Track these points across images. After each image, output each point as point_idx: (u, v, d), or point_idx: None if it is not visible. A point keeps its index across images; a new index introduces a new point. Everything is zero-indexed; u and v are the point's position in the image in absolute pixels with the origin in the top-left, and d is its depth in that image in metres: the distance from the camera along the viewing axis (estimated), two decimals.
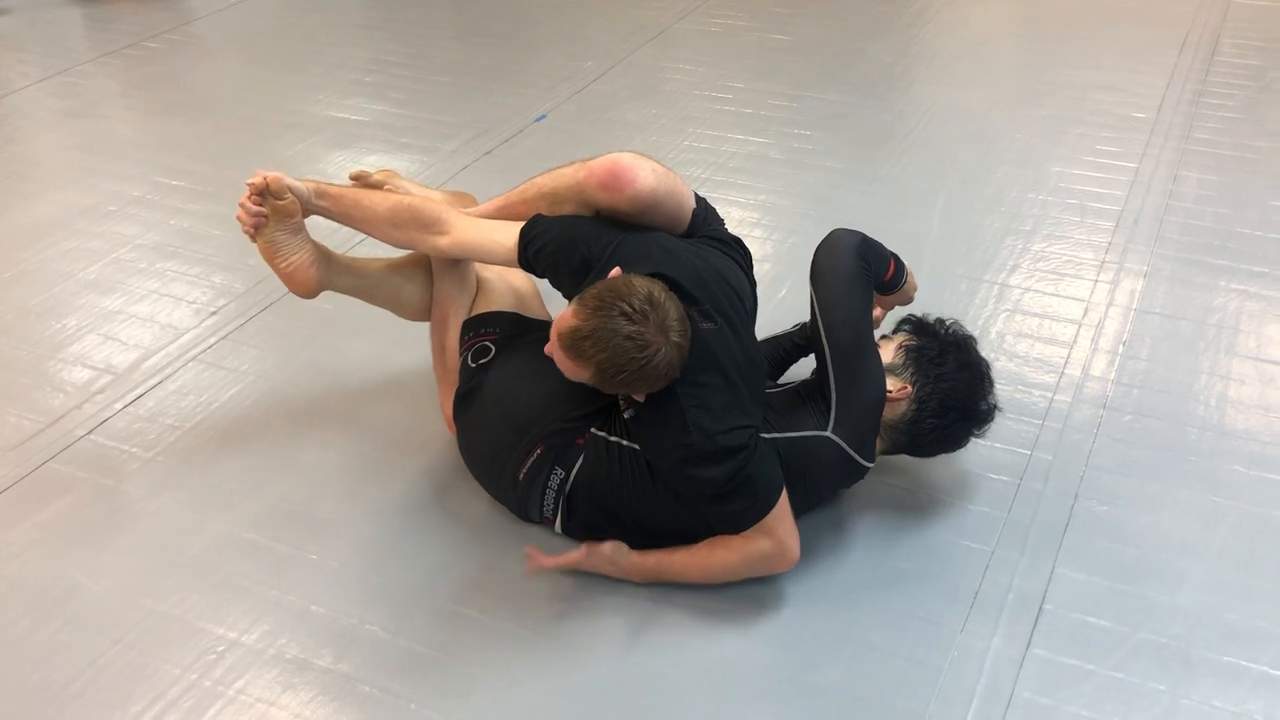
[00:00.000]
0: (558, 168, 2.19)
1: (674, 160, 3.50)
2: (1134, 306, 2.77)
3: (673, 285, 1.92)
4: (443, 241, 2.16)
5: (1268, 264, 2.91)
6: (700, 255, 2.09)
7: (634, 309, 1.81)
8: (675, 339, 1.84)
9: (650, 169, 2.09)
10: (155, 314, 2.86)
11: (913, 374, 2.04)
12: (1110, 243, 3.03)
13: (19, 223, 3.29)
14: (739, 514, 1.93)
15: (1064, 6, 4.70)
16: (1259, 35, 4.31)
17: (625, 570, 2.02)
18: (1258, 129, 3.60)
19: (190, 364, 2.67)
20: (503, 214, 2.22)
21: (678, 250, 2.04)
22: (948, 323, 2.14)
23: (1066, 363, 2.58)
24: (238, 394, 2.57)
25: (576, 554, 1.99)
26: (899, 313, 2.27)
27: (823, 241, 2.09)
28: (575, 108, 3.92)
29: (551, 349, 1.90)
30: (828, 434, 1.98)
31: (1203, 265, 2.92)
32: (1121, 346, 2.63)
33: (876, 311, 2.34)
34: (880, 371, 2.02)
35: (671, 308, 1.85)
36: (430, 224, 2.16)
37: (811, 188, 3.39)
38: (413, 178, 3.41)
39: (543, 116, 3.84)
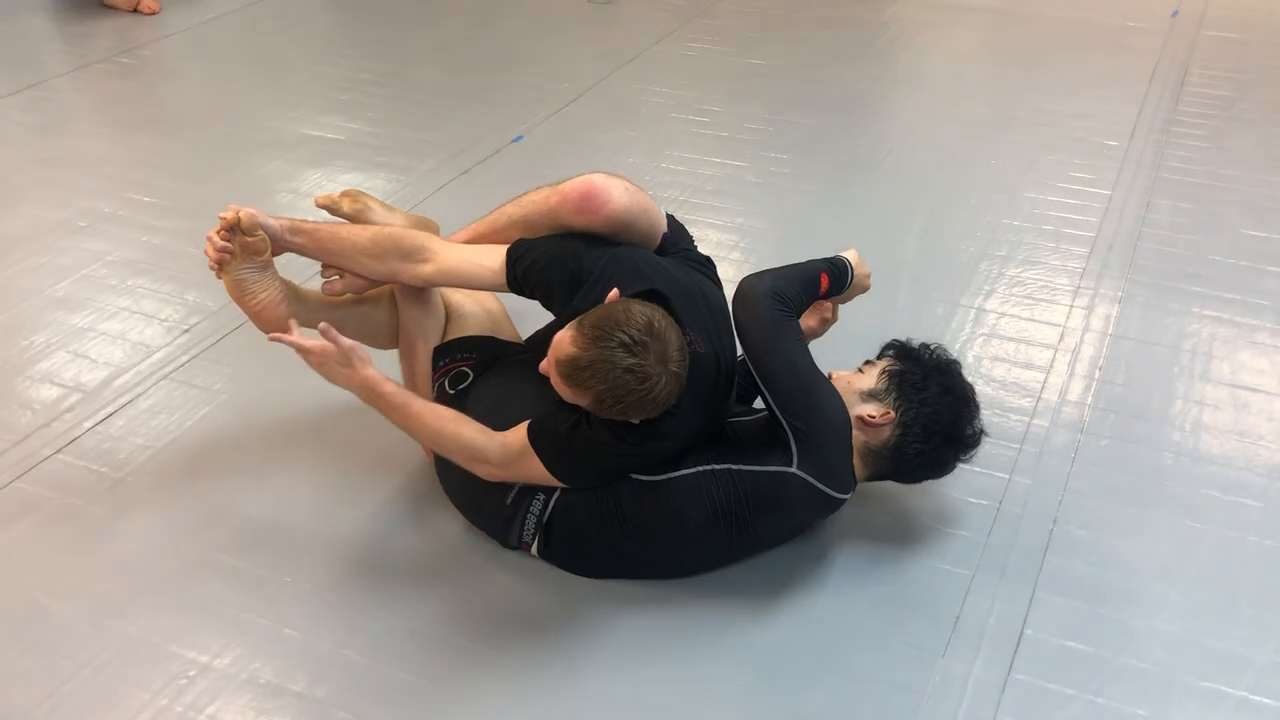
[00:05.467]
0: (526, 194, 2.18)
1: (652, 182, 3.50)
2: (1109, 332, 2.78)
3: (665, 304, 1.91)
4: (426, 269, 2.13)
5: (1240, 291, 2.94)
6: (685, 273, 2.09)
7: (634, 340, 1.79)
8: (674, 369, 1.83)
9: (622, 188, 2.09)
10: (126, 331, 2.81)
11: (895, 399, 2.03)
12: (1085, 268, 3.05)
13: None
14: (538, 430, 1.94)
15: (1034, 35, 4.75)
16: (1226, 66, 4.38)
17: (356, 385, 2.00)
18: (1227, 158, 3.65)
19: (162, 382, 2.63)
20: (474, 243, 2.21)
21: (667, 267, 2.04)
22: (932, 347, 2.13)
23: (1043, 387, 2.59)
24: (210, 413, 2.53)
25: (317, 344, 1.99)
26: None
27: (734, 295, 2.03)
28: (552, 129, 3.92)
29: (547, 369, 1.89)
30: (794, 470, 1.94)
31: (1176, 291, 2.94)
32: (1098, 371, 2.64)
33: (827, 317, 2.30)
34: (835, 401, 1.98)
35: (672, 336, 1.84)
36: (412, 253, 2.14)
37: (788, 211, 3.40)
38: (389, 197, 3.40)
39: (520, 137, 3.83)
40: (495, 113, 4.03)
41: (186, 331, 2.81)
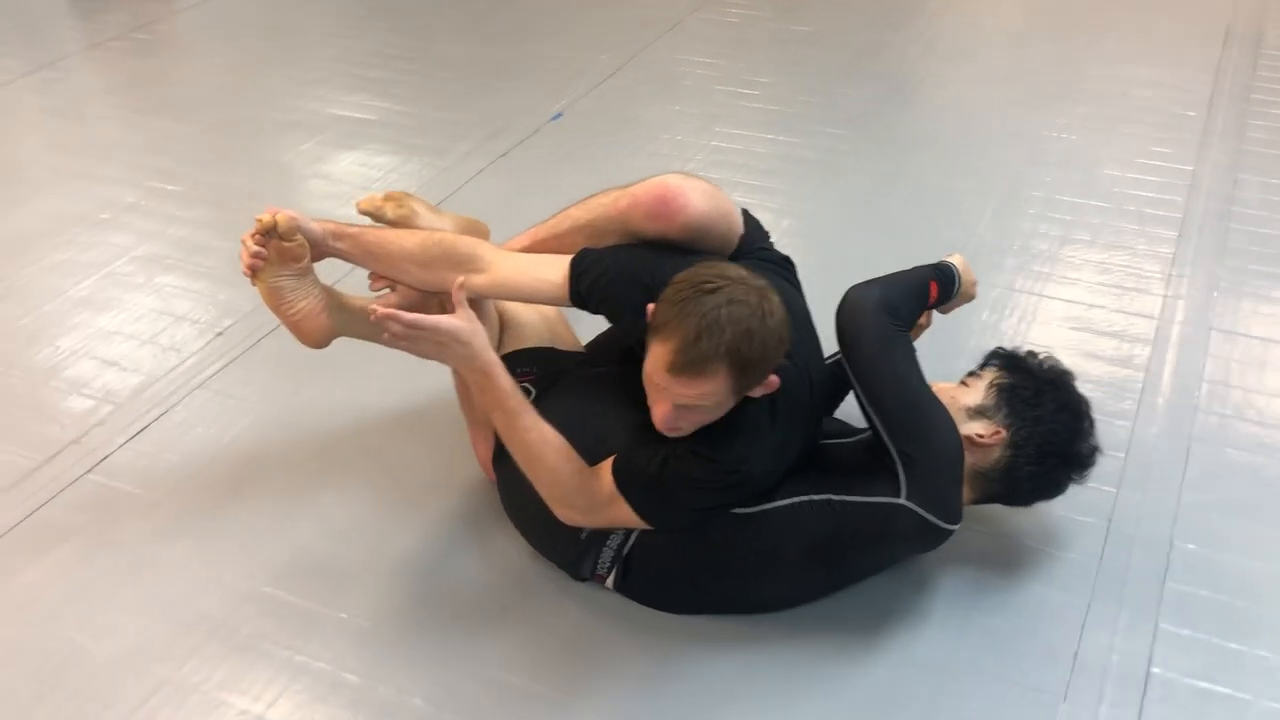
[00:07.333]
0: (593, 197, 1.99)
1: (703, 162, 3.30)
2: (1210, 325, 2.59)
3: None
4: (479, 280, 1.94)
5: None
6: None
7: (711, 283, 1.63)
8: (758, 284, 1.65)
9: (701, 190, 1.90)
10: (156, 334, 2.64)
11: (1006, 416, 1.84)
12: (1175, 254, 2.85)
13: (3, 234, 3.06)
14: (624, 473, 1.75)
15: None
16: None
17: (478, 368, 1.74)
18: None
19: (196, 391, 2.46)
20: (533, 251, 2.02)
21: None
22: (1040, 357, 1.94)
23: (1143, 388, 2.40)
24: (249, 426, 2.36)
25: (445, 319, 1.71)
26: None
27: (841, 305, 1.87)
28: (592, 105, 3.71)
29: (664, 402, 1.67)
30: (902, 501, 1.75)
31: (1277, 279, 2.74)
32: (1203, 370, 2.45)
33: (922, 323, 2.13)
34: (948, 424, 1.80)
35: (737, 271, 1.67)
36: (464, 262, 1.95)
37: (850, 193, 3.20)
38: (426, 183, 3.21)
39: (559, 115, 3.63)
40: (531, 88, 3.82)
41: (220, 334, 2.63)
